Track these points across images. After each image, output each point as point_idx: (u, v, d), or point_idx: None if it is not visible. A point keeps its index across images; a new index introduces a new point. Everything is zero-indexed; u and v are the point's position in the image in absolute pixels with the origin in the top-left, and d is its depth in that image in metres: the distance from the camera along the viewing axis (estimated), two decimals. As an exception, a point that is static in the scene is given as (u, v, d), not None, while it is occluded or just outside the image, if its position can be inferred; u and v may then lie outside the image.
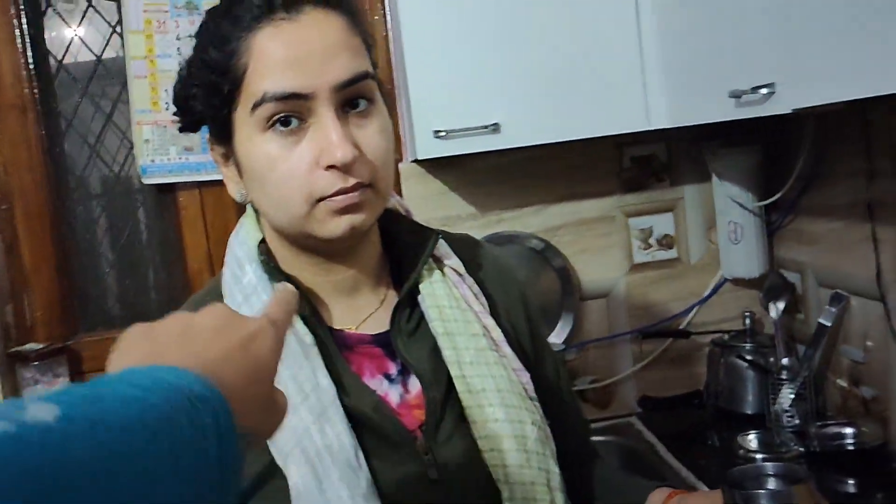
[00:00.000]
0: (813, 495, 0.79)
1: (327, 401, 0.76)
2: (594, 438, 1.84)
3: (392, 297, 0.87)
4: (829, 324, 1.69)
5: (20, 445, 0.34)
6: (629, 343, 1.99)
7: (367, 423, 0.78)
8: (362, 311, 0.86)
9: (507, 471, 0.80)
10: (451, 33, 1.60)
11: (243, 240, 0.85)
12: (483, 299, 0.90)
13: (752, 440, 1.68)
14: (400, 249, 0.88)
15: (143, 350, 0.50)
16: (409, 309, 0.86)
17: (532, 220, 1.94)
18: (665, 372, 2.00)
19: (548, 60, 1.61)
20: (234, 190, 0.84)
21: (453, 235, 0.95)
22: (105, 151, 1.95)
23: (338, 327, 0.84)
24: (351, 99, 0.78)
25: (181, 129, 0.86)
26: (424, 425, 0.81)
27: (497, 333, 0.88)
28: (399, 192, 1.90)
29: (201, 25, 0.82)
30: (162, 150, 1.84)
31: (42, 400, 0.37)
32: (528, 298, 0.98)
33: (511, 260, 1.01)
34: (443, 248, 0.90)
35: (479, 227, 1.91)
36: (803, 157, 1.70)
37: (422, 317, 0.86)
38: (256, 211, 0.87)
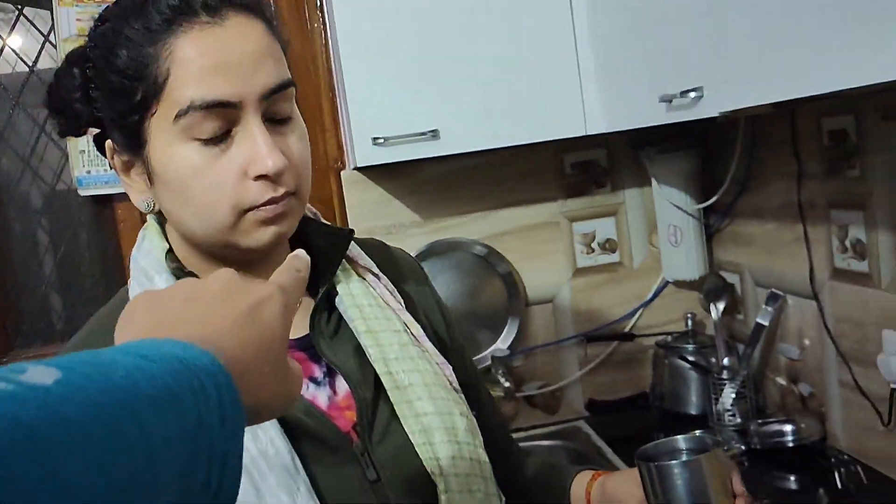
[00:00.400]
0: (722, 462, 0.82)
1: None
2: (542, 443, 1.89)
3: (308, 301, 0.86)
4: (766, 323, 1.72)
5: (16, 403, 0.34)
6: (575, 347, 2.00)
7: (301, 427, 0.78)
8: None
9: (441, 463, 0.80)
10: (388, 40, 1.60)
11: (148, 250, 0.83)
12: (399, 296, 0.91)
13: (695, 440, 1.70)
14: (312, 252, 0.88)
15: (147, 321, 0.49)
16: (326, 311, 0.86)
17: (476, 227, 1.94)
18: (611, 375, 2.02)
19: (486, 67, 1.62)
20: (139, 199, 0.81)
21: (361, 239, 0.96)
22: (43, 164, 1.91)
23: None
24: (274, 107, 0.77)
25: (61, 134, 0.83)
26: (358, 426, 0.81)
27: (417, 329, 0.89)
28: (341, 200, 1.90)
29: (102, 24, 0.78)
30: (98, 161, 1.81)
31: (43, 364, 0.37)
32: (438, 294, 1.00)
33: (415, 259, 1.04)
34: (354, 249, 0.91)
35: (422, 234, 1.91)
36: (736, 161, 1.74)
37: (340, 318, 0.86)
38: (159, 221, 0.85)
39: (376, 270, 0.91)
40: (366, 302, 0.86)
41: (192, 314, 0.49)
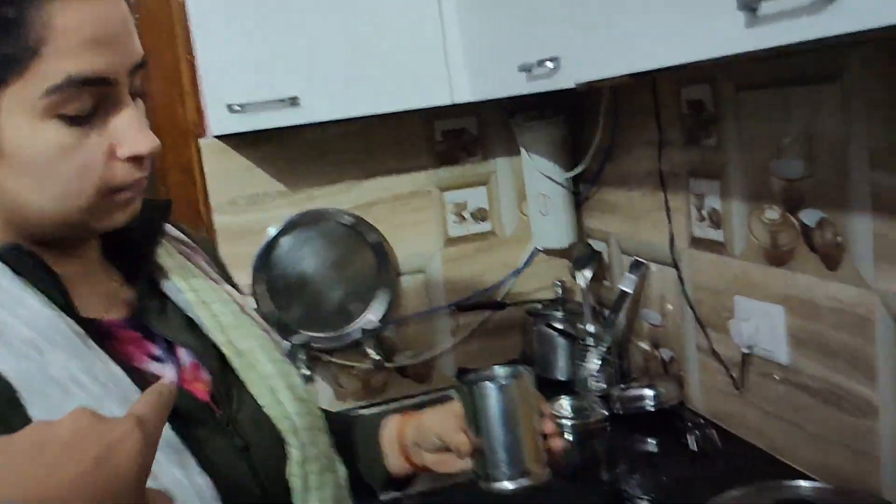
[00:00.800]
0: (531, 388, 0.94)
1: (128, 388, 0.71)
2: (413, 413, 1.88)
3: (119, 276, 0.83)
4: (629, 290, 1.75)
5: None
6: (447, 317, 1.99)
7: None
8: (105, 297, 0.80)
9: (291, 422, 0.82)
10: (243, 1, 1.52)
11: None
12: (214, 266, 0.91)
13: (563, 406, 1.72)
14: (130, 226, 0.83)
15: None
16: (149, 286, 0.83)
17: (345, 197, 1.90)
18: (483, 343, 2.03)
19: (348, 31, 1.56)
20: None
21: None
22: None
23: (90, 316, 0.78)
24: (136, 83, 0.72)
25: None
26: (214, 396, 0.80)
27: (240, 297, 0.89)
28: (201, 170, 1.82)
29: None
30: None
31: None
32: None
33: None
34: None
35: (288, 204, 1.85)
36: (601, 130, 1.75)
37: (163, 293, 0.83)
38: None
39: (189, 242, 0.89)
40: (190, 274, 0.85)
41: (36, 468, 0.48)
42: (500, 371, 0.98)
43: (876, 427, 1.18)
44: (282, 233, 1.83)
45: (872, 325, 1.15)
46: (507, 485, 0.91)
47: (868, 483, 1.20)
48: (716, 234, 1.49)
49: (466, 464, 0.95)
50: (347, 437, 1.02)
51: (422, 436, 0.99)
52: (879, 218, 1.12)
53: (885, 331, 1.13)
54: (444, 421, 0.97)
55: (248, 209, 1.84)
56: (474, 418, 0.92)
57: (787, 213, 1.30)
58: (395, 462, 1.01)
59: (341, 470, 0.88)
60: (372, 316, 1.90)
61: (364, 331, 1.86)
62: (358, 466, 1.01)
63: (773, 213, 1.33)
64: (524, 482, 0.91)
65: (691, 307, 1.59)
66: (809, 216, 1.25)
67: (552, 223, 1.95)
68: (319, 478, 0.83)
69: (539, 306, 1.97)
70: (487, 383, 0.92)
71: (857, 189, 1.14)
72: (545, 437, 0.94)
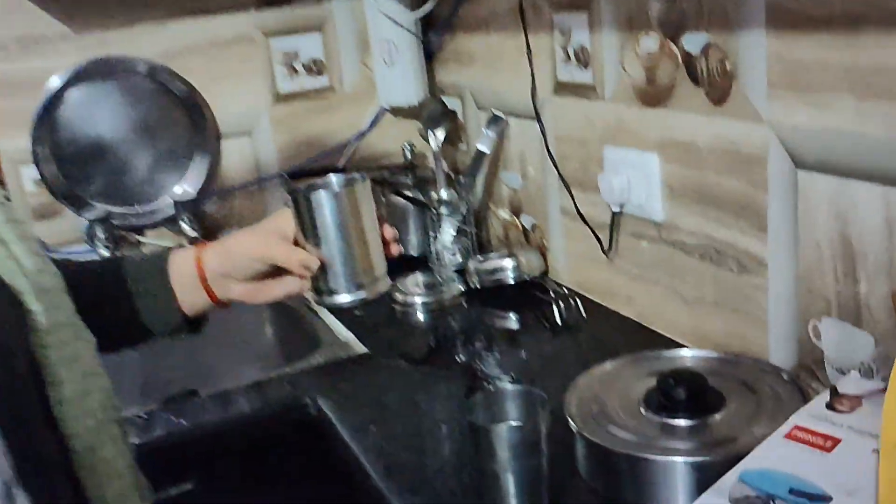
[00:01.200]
0: (367, 195, 0.89)
1: None
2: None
3: None
4: (487, 150, 1.54)
5: None
6: (279, 187, 1.73)
7: None
8: None
9: (32, 281, 0.67)
10: None
11: None
12: None
13: (414, 282, 1.53)
14: None
15: None
16: None
17: (146, 42, 1.57)
18: (324, 217, 1.79)
19: None
20: None
21: None
22: None
23: None
24: None
25: None
26: None
27: None
28: (-50, 2, 1.44)
29: None
30: None
31: None
32: None
33: None
34: None
35: (74, 50, 1.51)
36: (453, -43, 1.50)
37: None
38: None
39: None
40: None
41: None
42: (334, 178, 0.92)
43: (763, 285, 1.02)
44: (68, 85, 1.49)
45: (764, 164, 0.98)
46: (348, 297, 0.89)
47: (753, 348, 1.05)
48: (584, 76, 1.29)
49: (283, 290, 0.90)
50: (116, 284, 0.88)
51: (234, 263, 0.89)
52: (775, 35, 0.93)
53: (779, 169, 0.96)
54: (266, 242, 0.88)
55: (23, 55, 1.49)
56: (312, 229, 0.86)
57: (666, 40, 1.09)
58: (192, 300, 0.90)
59: (90, 336, 0.72)
60: (188, 186, 1.61)
61: (178, 204, 1.58)
62: (136, 315, 0.88)
63: (649, 41, 1.12)
64: (363, 294, 0.89)
65: (555, 165, 1.39)
66: (693, 41, 1.05)
67: (399, 77, 1.69)
68: (73, 346, 0.69)
69: (386, 173, 1.73)
70: (323, 191, 0.87)
71: (750, 1, 0.95)
72: (384, 245, 0.92)
